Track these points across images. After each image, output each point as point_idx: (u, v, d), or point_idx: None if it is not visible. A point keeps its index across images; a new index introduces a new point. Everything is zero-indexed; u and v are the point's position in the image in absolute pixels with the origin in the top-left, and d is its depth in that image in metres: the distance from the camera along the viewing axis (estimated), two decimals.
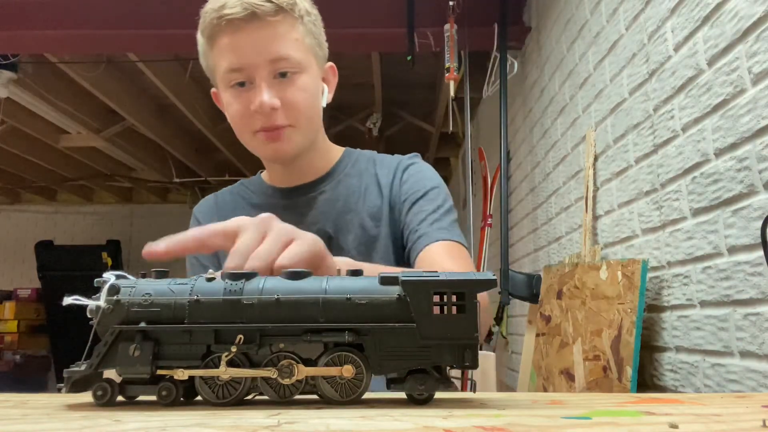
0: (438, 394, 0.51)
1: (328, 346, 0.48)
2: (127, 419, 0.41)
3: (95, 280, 0.50)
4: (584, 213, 1.84)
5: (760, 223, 0.98)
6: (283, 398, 0.48)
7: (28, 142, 4.86)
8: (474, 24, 2.59)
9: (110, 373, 0.49)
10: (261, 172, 1.11)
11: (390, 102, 4.25)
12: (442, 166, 5.49)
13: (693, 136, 1.23)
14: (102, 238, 6.42)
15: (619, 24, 1.62)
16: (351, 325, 0.48)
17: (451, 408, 0.46)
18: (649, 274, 1.41)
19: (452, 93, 2.65)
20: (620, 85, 1.61)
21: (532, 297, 2.19)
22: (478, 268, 3.11)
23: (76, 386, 0.47)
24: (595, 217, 1.80)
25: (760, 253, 1.00)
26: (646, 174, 1.45)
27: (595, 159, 1.80)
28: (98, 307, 0.48)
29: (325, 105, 1.00)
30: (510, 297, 2.31)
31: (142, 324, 0.48)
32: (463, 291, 0.48)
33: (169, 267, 0.54)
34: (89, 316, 0.49)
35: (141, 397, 0.50)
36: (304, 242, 0.62)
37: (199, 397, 0.49)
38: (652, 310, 1.42)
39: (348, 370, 0.47)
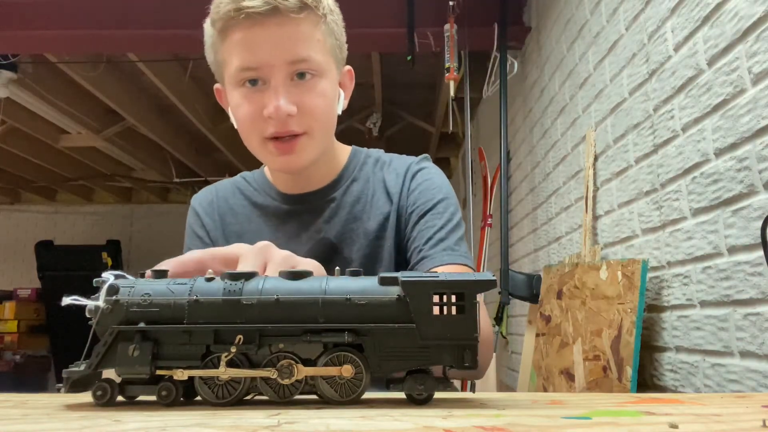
0: (438, 394, 0.51)
1: (328, 347, 0.48)
2: (127, 419, 0.41)
3: (94, 280, 0.49)
4: (584, 213, 1.84)
5: (760, 223, 0.98)
6: (282, 398, 0.48)
7: (28, 142, 4.86)
8: (474, 24, 2.59)
9: (110, 373, 0.49)
10: (264, 166, 1.05)
11: (390, 102, 4.25)
12: (442, 166, 5.44)
13: (693, 136, 1.23)
14: (102, 238, 6.41)
15: (619, 24, 1.62)
16: (350, 325, 0.48)
17: (451, 408, 0.46)
18: (649, 274, 1.41)
19: (452, 93, 2.65)
20: (620, 85, 1.61)
21: (532, 297, 2.19)
22: (478, 269, 3.11)
23: (76, 386, 0.47)
24: (595, 217, 1.80)
25: (760, 253, 1.00)
26: (646, 174, 1.45)
27: (595, 159, 1.80)
28: (97, 307, 0.48)
29: (340, 112, 0.94)
30: (510, 297, 2.31)
31: (141, 324, 0.48)
32: (463, 291, 0.48)
33: None
34: (88, 316, 0.49)
35: (141, 397, 0.50)
36: (306, 267, 0.62)
37: (198, 397, 0.49)
38: (652, 310, 1.42)
39: (347, 370, 0.47)
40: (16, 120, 4.23)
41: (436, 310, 0.48)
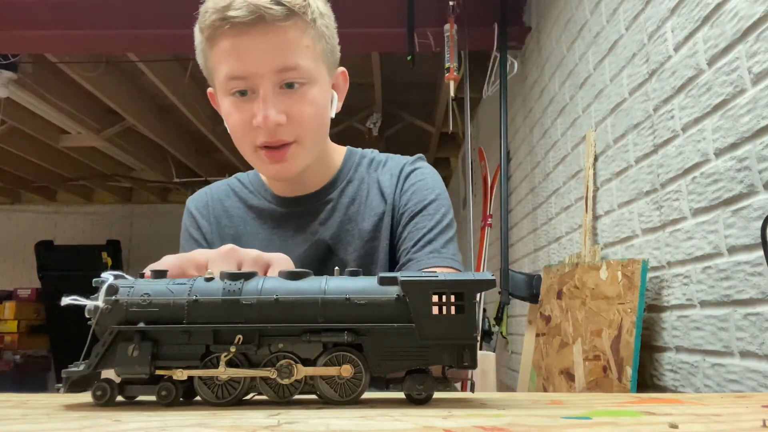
0: (438, 394, 0.51)
1: (327, 346, 0.48)
2: (127, 419, 0.41)
3: (93, 280, 0.49)
4: (584, 213, 1.84)
5: (760, 223, 0.98)
6: (282, 398, 0.48)
7: (28, 142, 4.86)
8: (474, 24, 2.60)
9: (109, 373, 0.49)
10: None
11: (390, 102, 4.25)
12: (442, 166, 5.49)
13: (693, 136, 1.23)
14: (102, 238, 6.42)
15: (619, 24, 1.62)
16: (350, 325, 0.48)
17: (451, 408, 0.46)
18: (649, 274, 1.41)
19: (452, 93, 2.65)
20: (620, 85, 1.61)
21: (532, 297, 2.19)
22: (478, 268, 3.11)
23: (75, 386, 0.47)
24: (595, 217, 1.80)
25: (760, 253, 1.00)
26: (646, 174, 1.45)
27: (595, 159, 1.80)
28: (96, 307, 0.48)
29: (334, 115, 0.93)
30: (510, 297, 2.31)
31: (141, 324, 0.48)
32: (462, 291, 0.48)
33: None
34: (88, 316, 0.49)
35: (140, 397, 0.50)
36: (280, 263, 0.65)
37: (198, 397, 0.49)
38: (652, 310, 1.42)
39: (347, 370, 0.47)
40: (16, 120, 4.23)
41: (435, 309, 0.48)
